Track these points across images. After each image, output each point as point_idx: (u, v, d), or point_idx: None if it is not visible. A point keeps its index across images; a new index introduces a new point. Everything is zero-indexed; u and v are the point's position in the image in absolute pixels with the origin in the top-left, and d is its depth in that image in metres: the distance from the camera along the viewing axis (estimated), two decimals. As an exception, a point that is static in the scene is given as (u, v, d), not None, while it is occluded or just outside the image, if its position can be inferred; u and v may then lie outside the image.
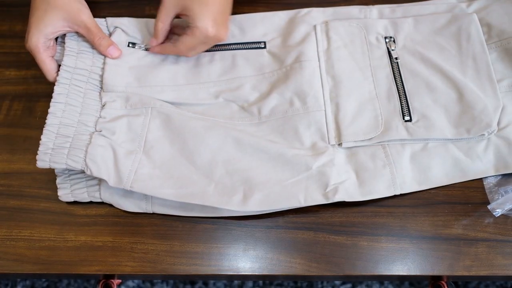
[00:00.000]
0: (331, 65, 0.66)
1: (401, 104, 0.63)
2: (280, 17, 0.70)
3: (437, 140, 0.61)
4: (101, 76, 0.62)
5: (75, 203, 0.60)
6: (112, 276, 0.59)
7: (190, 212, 0.59)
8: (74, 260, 0.57)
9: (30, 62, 0.66)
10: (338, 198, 0.57)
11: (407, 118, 0.62)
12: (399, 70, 0.65)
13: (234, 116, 0.63)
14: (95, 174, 0.56)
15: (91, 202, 0.60)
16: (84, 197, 0.59)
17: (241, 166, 0.59)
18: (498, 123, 0.62)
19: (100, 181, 0.59)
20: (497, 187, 0.60)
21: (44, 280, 1.16)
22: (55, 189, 0.60)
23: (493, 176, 0.61)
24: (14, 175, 0.62)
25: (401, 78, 0.65)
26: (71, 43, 0.64)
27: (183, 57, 0.66)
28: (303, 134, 0.61)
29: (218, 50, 0.67)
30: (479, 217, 0.59)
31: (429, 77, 0.65)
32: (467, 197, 0.60)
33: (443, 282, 0.59)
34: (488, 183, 0.61)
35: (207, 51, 0.66)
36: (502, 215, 0.59)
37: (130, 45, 0.66)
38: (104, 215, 0.60)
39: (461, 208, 0.60)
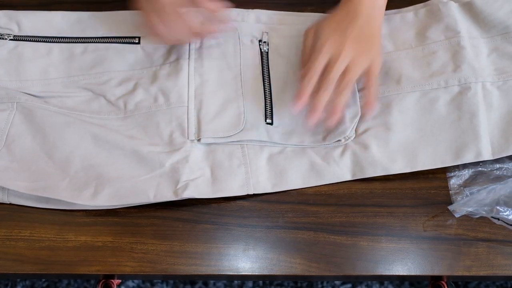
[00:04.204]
0: (201, 64, 0.67)
1: (265, 106, 0.64)
2: None
3: (295, 146, 0.63)
4: None
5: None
6: (112, 276, 0.59)
7: (45, 204, 0.60)
8: (74, 260, 0.57)
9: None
10: (187, 194, 0.58)
11: (268, 120, 0.63)
12: (269, 73, 0.67)
13: (102, 110, 0.65)
14: None
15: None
16: None
17: (96, 161, 0.60)
18: (356, 130, 0.63)
19: None
20: (462, 187, 0.60)
21: (44, 280, 1.16)
22: (55, 189, 0.60)
23: (459, 176, 0.61)
24: (14, 175, 0.62)
25: (269, 82, 0.66)
26: None
27: (56, 49, 0.68)
28: (164, 129, 0.62)
29: (92, 42, 0.69)
30: (479, 217, 0.59)
31: (296, 85, 0.65)
32: (467, 197, 0.61)
33: (443, 282, 0.59)
34: (453, 184, 0.61)
35: (81, 42, 0.68)
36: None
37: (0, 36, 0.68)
38: (104, 215, 0.60)
39: (461, 208, 0.60)
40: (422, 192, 0.61)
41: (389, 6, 0.72)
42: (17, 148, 0.61)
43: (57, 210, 0.60)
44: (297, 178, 0.61)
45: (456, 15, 0.68)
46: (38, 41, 0.68)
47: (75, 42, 0.68)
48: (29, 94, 0.64)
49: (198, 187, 0.59)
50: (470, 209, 0.57)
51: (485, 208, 0.57)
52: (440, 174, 0.62)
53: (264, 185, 0.61)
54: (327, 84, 0.60)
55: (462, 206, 0.58)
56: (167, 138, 0.62)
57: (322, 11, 0.73)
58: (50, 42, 0.68)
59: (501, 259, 0.57)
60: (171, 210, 0.60)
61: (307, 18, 0.72)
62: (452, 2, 0.69)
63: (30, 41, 0.68)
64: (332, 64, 0.60)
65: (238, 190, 0.60)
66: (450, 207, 0.58)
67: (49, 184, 0.59)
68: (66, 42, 0.68)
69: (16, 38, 0.68)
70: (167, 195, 0.58)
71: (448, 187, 0.61)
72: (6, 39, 0.67)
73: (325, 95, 0.60)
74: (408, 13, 0.70)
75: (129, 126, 0.63)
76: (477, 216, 0.58)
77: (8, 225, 0.59)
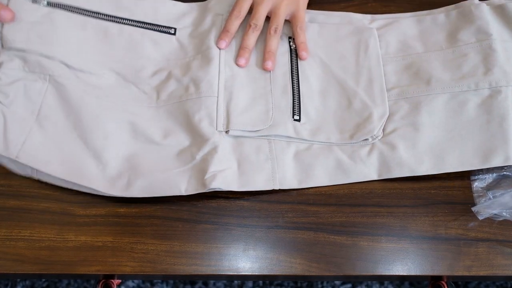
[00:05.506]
0: (231, 56, 0.67)
1: (293, 103, 0.64)
2: (192, 6, 0.71)
3: (322, 143, 0.63)
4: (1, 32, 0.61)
5: (75, 203, 0.60)
6: (112, 276, 0.59)
7: (72, 185, 0.59)
8: (74, 260, 0.57)
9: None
10: (215, 185, 0.58)
11: (296, 117, 0.63)
12: (297, 70, 0.67)
13: (135, 98, 0.64)
14: None
15: (91, 202, 0.60)
16: None
17: (131, 152, 0.60)
18: (384, 130, 0.63)
19: None
20: (485, 190, 0.60)
21: (44, 280, 1.16)
22: (55, 189, 0.60)
23: (482, 179, 0.61)
24: (14, 175, 0.62)
25: (298, 79, 0.66)
26: None
27: (90, 24, 0.65)
28: (192, 118, 0.62)
29: (129, 25, 0.67)
30: (502, 219, 0.59)
31: (325, 82, 0.66)
32: (467, 197, 0.60)
33: (443, 282, 0.59)
34: (476, 186, 0.61)
35: (116, 21, 0.66)
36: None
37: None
38: (104, 215, 0.60)
39: (461, 208, 0.60)
40: (422, 192, 0.61)
41: (417, 8, 0.72)
42: (50, 125, 0.60)
43: (57, 210, 0.60)
44: (323, 176, 0.61)
45: (488, 17, 0.67)
46: (73, 11, 0.65)
47: (110, 21, 0.66)
48: (62, 63, 0.62)
49: (226, 179, 0.59)
50: (494, 212, 0.57)
51: (509, 211, 0.57)
52: (440, 174, 0.62)
53: (290, 181, 0.61)
54: (253, 25, 0.67)
55: (486, 208, 0.58)
56: (196, 128, 0.62)
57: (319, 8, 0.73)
58: (84, 15, 0.66)
59: (501, 259, 0.57)
60: (171, 210, 0.60)
61: (338, 18, 0.71)
62: (484, 5, 0.68)
63: (65, 9, 0.65)
64: (256, 6, 0.67)
65: (264, 185, 0.60)
66: (474, 209, 0.58)
67: (84, 171, 0.58)
68: (100, 19, 0.66)
69: (50, 4, 0.64)
70: (197, 187, 0.58)
71: (448, 187, 0.61)
72: (40, 3, 0.64)
73: (253, 35, 0.67)
74: (440, 15, 0.70)
75: (162, 116, 0.63)
76: (500, 219, 0.58)
77: (8, 225, 0.59)
